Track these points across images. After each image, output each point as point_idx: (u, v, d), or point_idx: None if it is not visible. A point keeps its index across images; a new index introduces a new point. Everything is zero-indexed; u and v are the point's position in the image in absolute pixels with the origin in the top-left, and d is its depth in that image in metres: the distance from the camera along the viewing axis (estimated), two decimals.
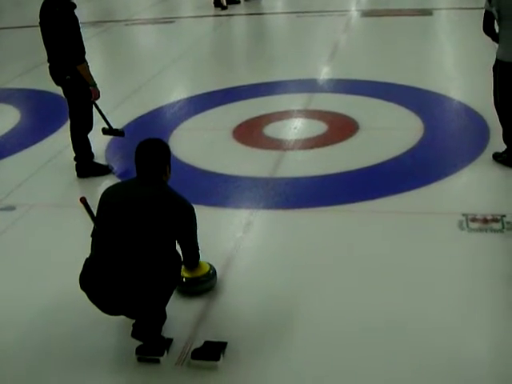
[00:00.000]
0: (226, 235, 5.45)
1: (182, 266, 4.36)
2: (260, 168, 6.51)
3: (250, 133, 7.47)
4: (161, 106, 8.60)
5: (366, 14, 13.73)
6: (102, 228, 3.97)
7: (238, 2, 15.27)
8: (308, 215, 5.68)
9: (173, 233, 3.97)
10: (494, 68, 6.22)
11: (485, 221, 5.32)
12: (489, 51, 9.49)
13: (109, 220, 3.94)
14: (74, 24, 6.27)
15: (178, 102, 8.79)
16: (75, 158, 6.76)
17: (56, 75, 6.51)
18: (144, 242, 3.82)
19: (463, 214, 5.41)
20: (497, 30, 6.15)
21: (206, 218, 5.63)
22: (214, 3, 14.94)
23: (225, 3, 14.88)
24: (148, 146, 4.12)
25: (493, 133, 6.94)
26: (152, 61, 11.25)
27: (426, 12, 12.61)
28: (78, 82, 6.43)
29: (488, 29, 6.13)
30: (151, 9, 16.60)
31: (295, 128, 7.59)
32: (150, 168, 4.03)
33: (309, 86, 9.05)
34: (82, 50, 6.38)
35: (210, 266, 4.68)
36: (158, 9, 16.31)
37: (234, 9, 14.81)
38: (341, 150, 6.89)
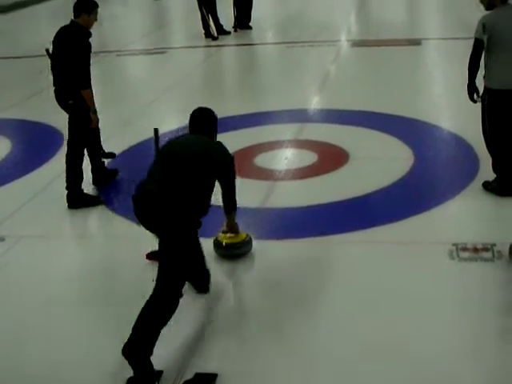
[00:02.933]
0: (217, 266, 5.43)
1: (222, 234, 5.41)
2: (251, 198, 6.48)
3: (240, 163, 7.37)
4: (152, 137, 8.57)
5: (356, 44, 13.80)
6: (160, 159, 4.61)
7: (229, 33, 15.32)
8: (299, 246, 5.68)
9: (215, 177, 4.63)
10: (483, 96, 6.26)
11: (475, 250, 5.34)
12: (477, 81, 9.59)
13: (168, 154, 4.59)
14: (86, 50, 6.55)
15: (170, 132, 8.74)
16: (67, 188, 6.76)
17: (60, 99, 6.71)
18: (191, 180, 4.36)
19: (453, 244, 5.43)
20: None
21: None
22: (205, 34, 15.00)
23: (215, 34, 14.95)
24: (201, 111, 4.93)
25: (482, 162, 6.97)
26: (144, 91, 11.27)
27: (416, 42, 12.71)
28: (80, 108, 6.62)
29: (476, 57, 6.16)
30: (142, 39, 16.65)
31: (286, 158, 7.61)
32: (201, 129, 4.77)
33: (299, 116, 9.10)
34: (88, 76, 6.62)
35: (247, 234, 5.47)
36: (149, 39, 16.37)
37: (224, 39, 14.86)
38: (331, 180, 6.92)
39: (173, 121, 8.54)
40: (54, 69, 6.69)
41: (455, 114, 9.06)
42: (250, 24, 15.90)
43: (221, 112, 9.18)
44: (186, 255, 4.32)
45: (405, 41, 13.30)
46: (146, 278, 4.14)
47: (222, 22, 15.23)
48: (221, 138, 8.11)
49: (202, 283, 4.96)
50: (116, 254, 5.83)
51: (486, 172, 6.69)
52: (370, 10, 19.05)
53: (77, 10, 6.61)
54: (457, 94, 9.83)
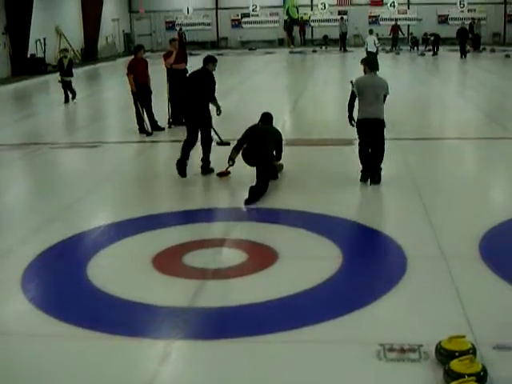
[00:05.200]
0: (141, 367, 5.34)
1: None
2: (179, 297, 6.44)
3: (169, 261, 7.40)
4: (82, 232, 8.50)
5: (289, 143, 13.96)
6: (251, 138, 10.25)
7: (163, 129, 15.43)
8: (227, 346, 5.62)
9: (276, 144, 10.39)
10: (357, 124, 10.32)
11: (402, 350, 5.36)
12: (406, 182, 9.83)
13: (254, 133, 10.35)
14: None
15: (99, 227, 8.71)
16: (202, 160, 11.17)
17: (199, 112, 11.04)
18: (270, 146, 10.17)
19: (380, 344, 5.43)
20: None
21: (121, 349, 5.58)
22: (139, 129, 15.08)
23: (149, 129, 15.03)
24: (268, 114, 10.81)
25: (410, 261, 7.12)
26: (75, 185, 11.17)
27: (347, 142, 12.92)
28: (209, 114, 11.22)
29: (350, 102, 10.31)
30: (76, 133, 16.70)
31: (214, 257, 7.60)
32: (268, 122, 10.67)
33: (230, 214, 9.19)
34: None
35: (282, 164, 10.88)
36: (82, 133, 16.39)
37: (158, 135, 14.95)
38: (260, 280, 6.91)
39: (102, 216, 8.48)
40: (195, 93, 11.05)
41: (384, 214, 9.25)
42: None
43: (151, 209, 9.33)
44: (272, 168, 10.19)
45: (337, 140, 13.54)
46: None
47: (156, 117, 15.36)
48: (151, 235, 8.23)
49: (275, 176, 10.51)
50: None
51: (414, 271, 6.85)
52: (303, 110, 19.48)
53: (209, 61, 11.32)
54: (384, 193, 10.12)
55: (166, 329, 5.94)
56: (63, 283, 7.05)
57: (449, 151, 13.11)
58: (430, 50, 38.21)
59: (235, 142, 10.49)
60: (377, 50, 26.56)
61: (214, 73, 11.32)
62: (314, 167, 11.65)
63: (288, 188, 10.44)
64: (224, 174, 10.82)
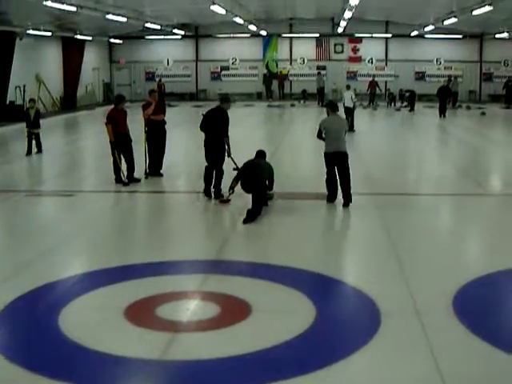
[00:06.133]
0: None
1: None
2: (150, 350, 6.37)
3: (141, 313, 7.34)
4: (54, 281, 8.43)
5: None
6: (248, 170, 12.12)
7: (139, 181, 15.37)
8: None
9: (268, 175, 12.28)
10: (324, 156, 12.64)
11: None
12: (381, 237, 9.84)
13: (250, 166, 12.28)
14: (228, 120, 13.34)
15: (73, 277, 8.64)
16: (214, 187, 13.30)
17: (215, 144, 13.18)
18: (264, 177, 12.16)
19: None
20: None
21: None
22: (116, 179, 15.03)
23: (126, 180, 14.98)
24: (261, 151, 12.98)
25: (384, 316, 7.11)
26: (50, 233, 11.10)
27: (321, 196, 12.95)
28: (223, 147, 13.30)
29: (318, 135, 12.81)
30: (52, 181, 16.59)
31: (187, 309, 7.52)
32: (262, 157, 12.74)
33: (204, 266, 9.13)
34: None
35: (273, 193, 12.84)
36: (59, 182, 16.29)
37: (135, 185, 14.89)
38: (233, 334, 6.84)
39: (76, 266, 8.40)
40: (213, 129, 13.15)
41: (358, 269, 9.24)
42: (161, 171, 16.09)
43: (127, 259, 9.27)
44: (264, 196, 12.09)
45: (311, 194, 13.55)
46: None
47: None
48: (124, 285, 8.17)
49: (266, 204, 12.18)
50: None
51: (388, 327, 6.86)
52: (280, 163, 19.49)
53: (224, 101, 13.54)
54: (361, 248, 10.14)
55: (136, 381, 5.86)
56: (33, 332, 6.94)
57: (424, 207, 13.18)
58: (406, 106, 38.65)
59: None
60: (354, 106, 26.77)
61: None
62: (289, 220, 11.67)
63: (262, 241, 10.47)
64: (225, 202, 12.79)
